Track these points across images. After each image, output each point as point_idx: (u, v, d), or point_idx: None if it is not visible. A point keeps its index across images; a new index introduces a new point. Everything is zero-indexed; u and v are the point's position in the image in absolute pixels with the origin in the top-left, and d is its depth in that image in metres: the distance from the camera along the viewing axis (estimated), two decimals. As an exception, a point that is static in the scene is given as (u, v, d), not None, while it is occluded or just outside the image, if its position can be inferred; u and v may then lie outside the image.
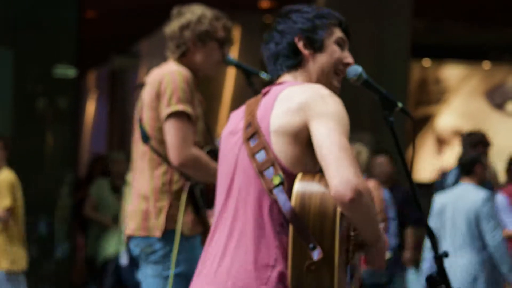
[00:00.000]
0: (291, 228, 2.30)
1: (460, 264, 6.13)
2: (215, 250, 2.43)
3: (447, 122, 15.41)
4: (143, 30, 12.94)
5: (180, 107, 3.75)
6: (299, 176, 2.34)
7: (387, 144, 7.85)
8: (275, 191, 2.35)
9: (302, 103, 2.38)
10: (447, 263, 6.29)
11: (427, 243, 6.61)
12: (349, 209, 2.26)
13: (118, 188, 8.68)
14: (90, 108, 17.95)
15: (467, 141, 6.87)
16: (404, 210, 7.35)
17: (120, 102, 16.18)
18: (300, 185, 2.32)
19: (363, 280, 2.71)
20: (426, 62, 15.40)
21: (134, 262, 6.35)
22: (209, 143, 3.96)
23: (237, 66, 4.06)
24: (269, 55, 2.59)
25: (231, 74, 12.43)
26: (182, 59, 3.95)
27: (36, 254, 8.31)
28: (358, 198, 2.24)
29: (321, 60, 2.55)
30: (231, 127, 2.54)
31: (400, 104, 2.58)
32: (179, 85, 3.78)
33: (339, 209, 2.28)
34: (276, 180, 2.35)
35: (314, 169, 2.37)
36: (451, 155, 14.44)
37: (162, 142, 3.80)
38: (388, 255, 7.32)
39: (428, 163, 14.81)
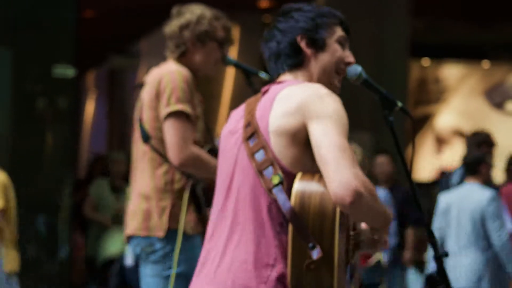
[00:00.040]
0: (290, 227, 2.30)
1: (464, 264, 6.13)
2: (215, 250, 2.42)
3: (447, 121, 15.42)
4: (142, 30, 12.93)
5: (179, 106, 3.75)
6: (299, 175, 2.34)
7: (387, 143, 7.84)
8: (274, 190, 2.35)
9: (300, 103, 2.38)
10: (452, 262, 6.29)
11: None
12: (350, 211, 2.28)
13: (117, 188, 8.68)
14: (90, 108, 17.95)
15: (471, 141, 6.87)
16: (404, 210, 7.36)
17: (119, 102, 16.18)
18: (299, 185, 2.32)
19: (362, 280, 2.71)
20: (426, 62, 15.41)
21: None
22: (209, 143, 3.96)
23: (237, 65, 4.06)
24: (270, 54, 2.58)
25: (230, 73, 12.43)
26: (182, 58, 3.96)
27: (35, 254, 8.31)
28: (358, 200, 2.24)
29: (323, 60, 2.55)
30: (231, 126, 2.54)
31: (399, 104, 2.58)
32: (178, 85, 3.78)
33: (338, 209, 2.28)
34: (276, 180, 2.35)
35: (313, 168, 2.36)
36: (451, 155, 14.46)
37: (162, 141, 3.80)
38: (378, 257, 7.33)
39: (428, 162, 14.82)
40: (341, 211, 2.28)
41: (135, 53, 14.67)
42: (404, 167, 2.56)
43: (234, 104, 2.62)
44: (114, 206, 8.54)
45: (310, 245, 2.26)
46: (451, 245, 6.22)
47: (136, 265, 7.26)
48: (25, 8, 8.62)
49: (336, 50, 2.56)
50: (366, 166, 4.52)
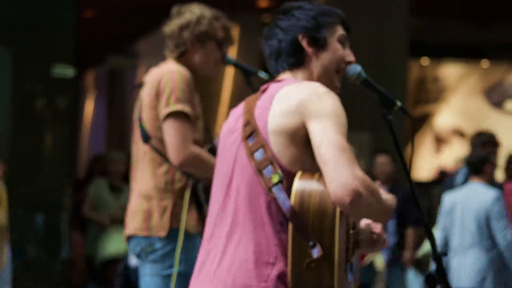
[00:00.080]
0: (290, 226, 2.30)
1: (468, 263, 6.14)
2: (215, 250, 2.42)
3: (446, 120, 15.43)
4: (141, 29, 12.93)
5: (178, 106, 3.76)
6: (298, 174, 2.34)
7: (386, 143, 7.85)
8: (274, 189, 2.35)
9: (299, 102, 2.38)
10: (456, 262, 6.30)
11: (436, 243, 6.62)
12: (350, 211, 2.28)
13: (116, 187, 8.68)
14: (89, 107, 17.94)
15: (476, 141, 6.88)
16: (404, 210, 7.36)
17: (118, 102, 16.18)
18: (299, 184, 2.32)
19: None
20: (425, 61, 15.41)
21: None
22: (208, 142, 3.97)
23: (236, 65, 4.07)
24: (270, 51, 2.57)
25: (229, 73, 12.43)
26: (181, 58, 3.96)
27: (35, 254, 8.31)
28: (358, 200, 2.24)
29: (323, 59, 2.54)
30: (230, 125, 2.53)
31: (399, 103, 2.58)
32: (178, 85, 3.79)
33: (338, 208, 2.29)
34: (275, 179, 2.35)
35: (313, 167, 2.36)
36: (450, 154, 14.47)
37: (163, 141, 3.80)
38: (371, 258, 7.33)
39: (427, 161, 14.82)
40: (341, 210, 2.29)
41: (135, 53, 14.67)
42: (403, 166, 2.56)
43: (234, 104, 2.62)
44: (113, 206, 8.54)
45: (311, 243, 2.26)
46: (455, 245, 6.23)
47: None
48: (24, 8, 8.62)
49: (337, 49, 2.55)
50: (362, 167, 4.53)
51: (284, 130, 2.38)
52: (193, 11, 3.96)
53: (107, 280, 8.52)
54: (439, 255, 2.53)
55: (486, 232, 6.14)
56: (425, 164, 14.71)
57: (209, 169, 3.73)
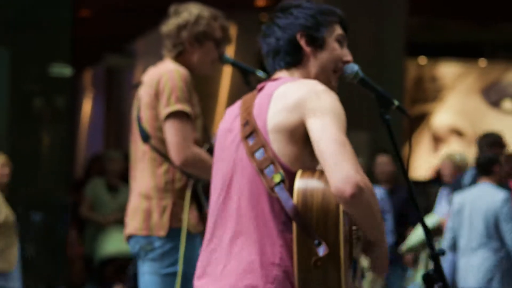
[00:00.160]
0: (294, 225, 2.29)
1: (476, 264, 6.15)
2: (218, 252, 2.41)
3: (443, 120, 15.42)
4: (139, 29, 12.92)
5: (178, 106, 3.76)
6: (299, 173, 2.33)
7: (384, 142, 7.85)
8: (276, 189, 2.34)
9: (297, 101, 2.37)
10: (463, 262, 6.32)
11: (440, 244, 6.64)
12: (350, 205, 2.25)
13: (114, 187, 8.67)
14: (87, 107, 17.93)
15: (483, 142, 6.88)
16: (405, 210, 7.36)
17: (116, 101, 16.16)
18: (301, 182, 2.31)
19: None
20: (422, 60, 15.41)
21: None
22: (206, 142, 3.97)
23: (234, 64, 4.07)
24: (268, 49, 2.56)
25: (227, 72, 12.43)
26: (179, 58, 3.95)
27: (33, 254, 8.30)
28: (359, 193, 2.23)
29: (321, 58, 2.53)
30: (227, 124, 2.52)
31: (396, 102, 2.58)
32: (177, 84, 3.79)
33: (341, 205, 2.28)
34: (277, 178, 2.34)
35: (313, 166, 2.36)
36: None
37: (163, 141, 3.79)
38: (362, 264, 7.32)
39: (424, 161, 14.82)
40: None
41: (132, 52, 14.65)
42: (401, 165, 2.57)
43: (231, 103, 2.61)
44: (111, 205, 8.53)
45: (316, 242, 2.25)
46: (463, 245, 6.24)
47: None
48: (23, 8, 8.62)
49: (334, 49, 2.55)
50: (361, 166, 4.53)
51: (283, 128, 2.37)
52: (191, 11, 3.95)
53: (106, 280, 8.52)
54: (437, 254, 2.52)
55: (494, 233, 6.15)
56: (423, 163, 14.70)
57: (209, 169, 3.72)
